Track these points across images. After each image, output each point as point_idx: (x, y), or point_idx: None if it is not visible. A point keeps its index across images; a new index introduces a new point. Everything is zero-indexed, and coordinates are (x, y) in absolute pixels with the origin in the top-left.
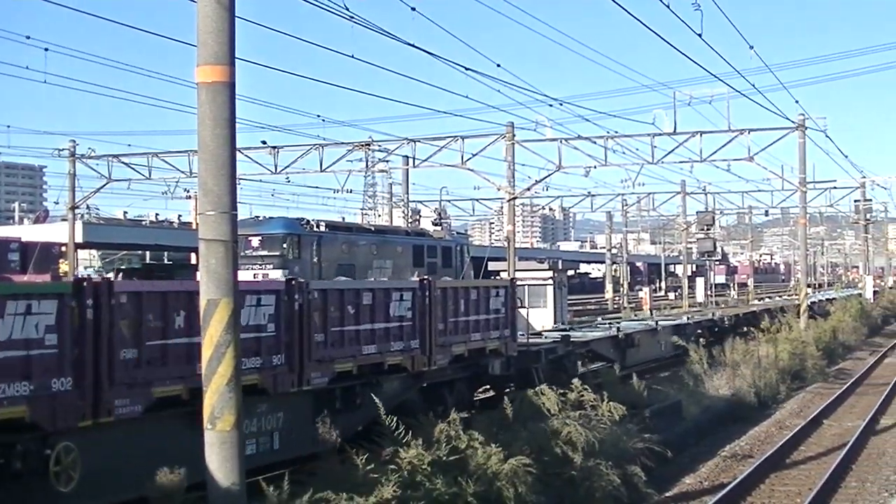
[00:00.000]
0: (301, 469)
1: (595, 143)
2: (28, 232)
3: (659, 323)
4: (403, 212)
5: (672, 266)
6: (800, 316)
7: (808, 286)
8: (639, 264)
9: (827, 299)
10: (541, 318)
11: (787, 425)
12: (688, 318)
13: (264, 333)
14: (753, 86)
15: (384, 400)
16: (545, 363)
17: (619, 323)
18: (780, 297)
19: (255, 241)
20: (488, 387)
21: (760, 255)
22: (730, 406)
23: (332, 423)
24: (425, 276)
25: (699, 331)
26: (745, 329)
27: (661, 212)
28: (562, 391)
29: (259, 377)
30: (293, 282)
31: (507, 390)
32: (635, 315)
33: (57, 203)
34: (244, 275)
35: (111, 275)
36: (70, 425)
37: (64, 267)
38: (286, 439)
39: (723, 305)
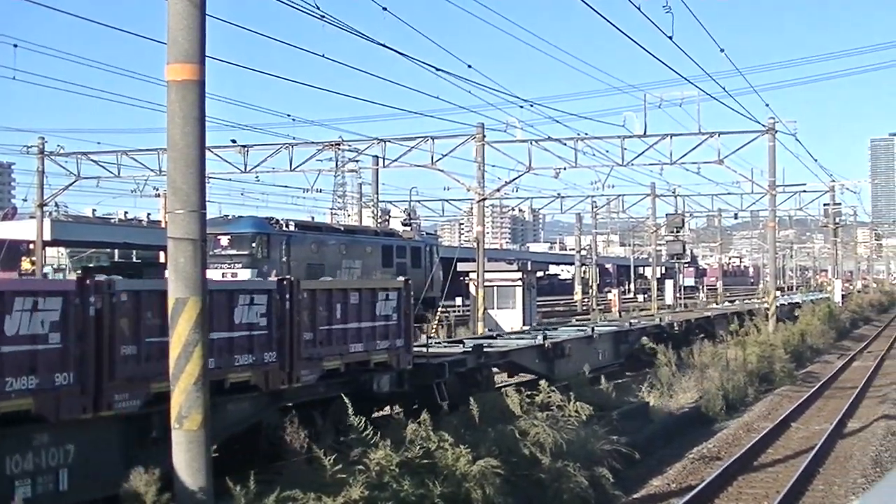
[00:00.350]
0: (268, 469)
1: (565, 144)
2: None
3: (595, 330)
4: (373, 212)
5: (641, 268)
6: (768, 319)
7: (777, 289)
8: (608, 266)
9: (789, 303)
10: (509, 319)
11: (755, 428)
12: (630, 324)
13: (43, 346)
14: (724, 89)
15: (229, 424)
16: (451, 378)
17: (546, 331)
18: (746, 300)
19: (225, 240)
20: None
21: (730, 258)
22: (696, 409)
23: (148, 455)
24: (285, 277)
25: (644, 338)
26: (700, 335)
27: (630, 214)
28: (529, 392)
29: (34, 401)
30: (87, 280)
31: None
32: (604, 317)
33: (25, 200)
34: (213, 274)
35: (78, 273)
36: None
37: (26, 264)
38: (79, 478)
39: (676, 309)
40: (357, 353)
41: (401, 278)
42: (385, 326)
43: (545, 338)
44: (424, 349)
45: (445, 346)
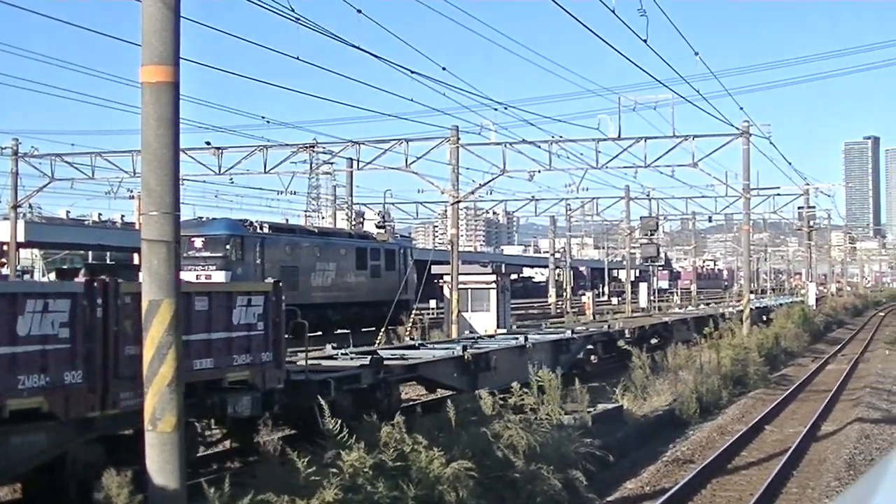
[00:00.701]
0: (242, 470)
1: (539, 147)
2: None
3: (529, 339)
4: (347, 214)
5: (615, 271)
6: (742, 322)
7: (751, 292)
8: (582, 269)
9: (757, 308)
10: (484, 321)
11: (728, 430)
12: (573, 332)
13: None
14: (698, 92)
15: (14, 462)
16: (339, 397)
17: (469, 340)
18: (713, 303)
19: (198, 242)
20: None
21: (704, 261)
22: (670, 412)
23: None
24: (96, 277)
25: (590, 346)
26: (655, 343)
27: (604, 217)
28: (502, 396)
29: None
30: None
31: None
32: (577, 320)
33: None
34: (187, 276)
35: (52, 274)
36: None
37: None
38: None
39: (650, 312)
40: (205, 371)
41: (270, 280)
42: (246, 338)
43: (465, 349)
44: (308, 363)
45: (353, 358)
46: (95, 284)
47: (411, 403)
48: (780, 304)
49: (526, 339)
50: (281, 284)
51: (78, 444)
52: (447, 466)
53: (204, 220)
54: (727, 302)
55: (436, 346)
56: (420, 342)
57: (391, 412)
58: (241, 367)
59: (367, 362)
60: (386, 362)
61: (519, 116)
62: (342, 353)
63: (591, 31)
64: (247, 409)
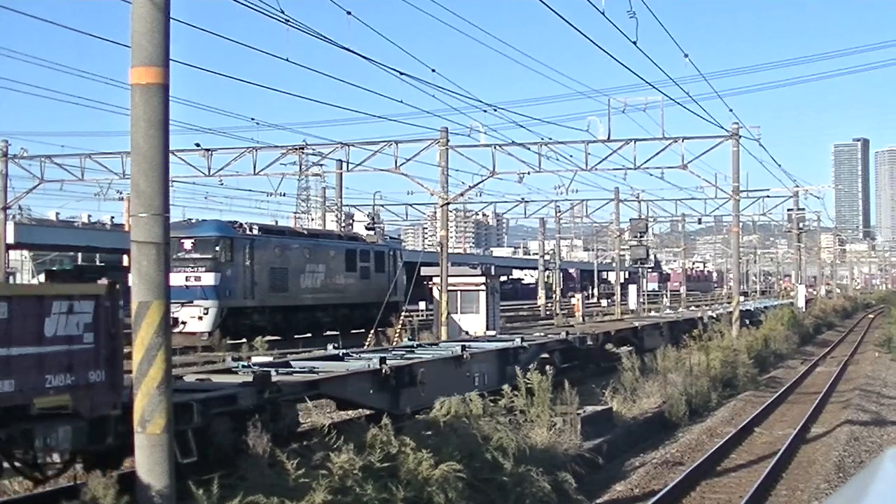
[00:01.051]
0: (231, 473)
1: (529, 149)
2: None
3: (467, 349)
4: (336, 216)
5: (605, 273)
6: (732, 324)
7: (742, 294)
8: (571, 271)
9: (742, 311)
10: (473, 323)
11: (718, 433)
12: (523, 340)
13: None
14: (688, 94)
15: None
16: (207, 423)
17: (402, 350)
18: (693, 306)
19: (188, 244)
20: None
21: (693, 263)
22: (660, 414)
23: None
24: None
25: (544, 356)
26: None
27: (594, 218)
28: (492, 398)
29: None
30: None
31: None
32: (567, 322)
33: None
34: (176, 278)
35: (41, 276)
36: None
37: None
38: None
39: (617, 316)
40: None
41: (104, 281)
42: (66, 353)
43: (383, 361)
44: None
45: (252, 371)
46: None
47: (319, 426)
48: (766, 308)
49: (463, 348)
50: (118, 287)
51: None
52: (436, 468)
53: (193, 221)
54: (713, 305)
55: (362, 356)
56: (345, 352)
57: (283, 438)
58: (57, 391)
59: (249, 379)
60: (275, 378)
61: (508, 118)
62: (243, 367)
63: (580, 32)
64: (65, 443)
